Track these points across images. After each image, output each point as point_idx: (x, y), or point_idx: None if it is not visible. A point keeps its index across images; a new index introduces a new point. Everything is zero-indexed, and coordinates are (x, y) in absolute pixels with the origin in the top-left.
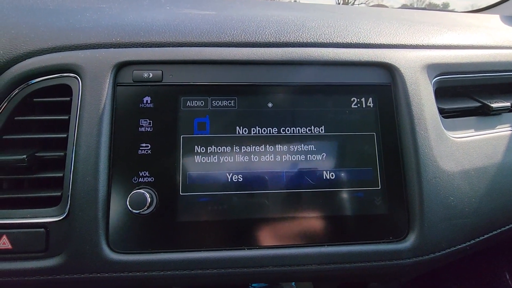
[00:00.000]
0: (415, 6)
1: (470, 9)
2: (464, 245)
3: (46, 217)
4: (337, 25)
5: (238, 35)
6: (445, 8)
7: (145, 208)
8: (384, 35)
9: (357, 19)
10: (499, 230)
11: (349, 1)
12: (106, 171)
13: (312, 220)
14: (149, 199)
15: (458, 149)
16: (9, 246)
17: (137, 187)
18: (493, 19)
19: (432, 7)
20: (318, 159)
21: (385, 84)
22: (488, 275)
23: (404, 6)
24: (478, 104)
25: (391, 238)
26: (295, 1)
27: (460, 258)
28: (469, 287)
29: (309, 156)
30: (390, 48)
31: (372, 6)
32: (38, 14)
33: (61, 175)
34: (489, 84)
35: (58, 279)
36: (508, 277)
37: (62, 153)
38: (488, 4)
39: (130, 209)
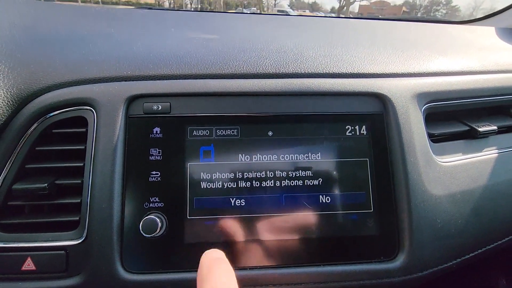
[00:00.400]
0: (417, 2)
1: (473, 5)
2: (451, 263)
3: (66, 240)
4: (332, 54)
5: (240, 66)
6: (448, 3)
7: (157, 232)
8: (377, 64)
9: (351, 44)
10: (484, 249)
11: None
12: (120, 197)
13: (309, 241)
14: (159, 224)
15: (445, 173)
16: (33, 267)
17: (148, 212)
18: (488, 34)
19: (434, 4)
20: (315, 184)
21: (377, 113)
22: (481, 283)
23: (406, 3)
24: (466, 128)
25: (382, 258)
26: None
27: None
28: None
29: (307, 182)
30: (383, 77)
31: (373, 2)
32: (53, 46)
33: (79, 201)
34: (477, 108)
35: None
36: (504, 283)
37: (79, 181)
38: (489, 12)
39: (143, 233)
